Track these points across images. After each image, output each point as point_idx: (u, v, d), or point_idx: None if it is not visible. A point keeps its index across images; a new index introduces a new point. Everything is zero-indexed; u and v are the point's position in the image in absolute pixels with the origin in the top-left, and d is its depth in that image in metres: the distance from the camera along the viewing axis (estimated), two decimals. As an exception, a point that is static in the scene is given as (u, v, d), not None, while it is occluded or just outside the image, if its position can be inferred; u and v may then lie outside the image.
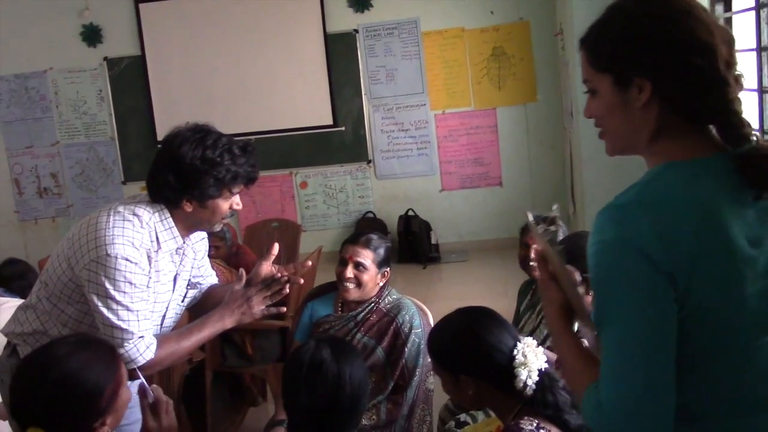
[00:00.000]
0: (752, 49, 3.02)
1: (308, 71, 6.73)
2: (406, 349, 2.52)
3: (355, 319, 2.61)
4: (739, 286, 1.13)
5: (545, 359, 1.76)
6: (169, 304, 2.07)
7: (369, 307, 2.62)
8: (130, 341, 1.87)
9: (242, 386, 3.77)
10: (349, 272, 2.58)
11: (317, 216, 7.02)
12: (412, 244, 6.58)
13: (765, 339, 1.17)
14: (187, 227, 2.02)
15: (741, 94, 1.20)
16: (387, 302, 2.63)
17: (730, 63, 1.16)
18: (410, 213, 6.75)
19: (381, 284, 2.65)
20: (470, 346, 1.77)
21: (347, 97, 6.78)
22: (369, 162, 6.89)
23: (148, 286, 1.93)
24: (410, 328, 2.55)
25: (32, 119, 7.20)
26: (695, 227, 1.11)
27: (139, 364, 1.88)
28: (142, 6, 6.83)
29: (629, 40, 1.18)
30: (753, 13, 3.06)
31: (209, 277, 2.28)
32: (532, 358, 1.72)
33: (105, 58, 6.98)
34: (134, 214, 1.92)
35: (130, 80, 6.93)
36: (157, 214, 1.96)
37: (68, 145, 7.19)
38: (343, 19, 6.66)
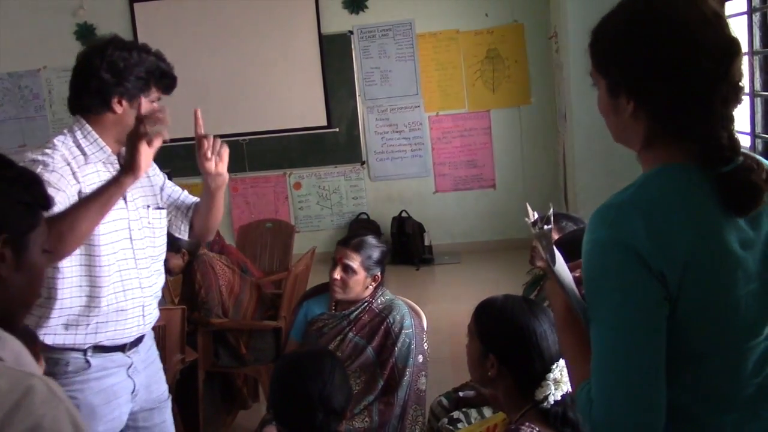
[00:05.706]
0: (744, 53, 3.04)
1: (303, 72, 6.73)
2: (396, 349, 2.54)
3: (347, 318, 2.64)
4: (732, 287, 1.14)
5: None
6: (129, 224, 2.03)
7: (362, 307, 2.65)
8: None
9: (233, 388, 3.76)
10: (337, 274, 2.62)
11: (311, 217, 7.02)
12: (405, 246, 6.58)
13: (754, 341, 1.18)
14: (115, 136, 2.02)
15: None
16: (380, 302, 2.66)
17: (716, 81, 1.14)
18: (404, 214, 6.76)
19: (372, 287, 2.67)
20: (519, 340, 1.73)
21: (341, 99, 6.78)
22: (363, 163, 6.89)
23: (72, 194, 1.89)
24: (401, 328, 2.57)
25: (25, 118, 7.18)
26: (689, 229, 1.12)
27: None
28: (136, 5, 6.82)
29: (616, 56, 1.19)
30: (745, 17, 3.09)
31: (183, 196, 2.27)
32: (566, 379, 1.69)
33: (99, 58, 6.95)
34: (47, 147, 1.97)
35: (124, 80, 6.89)
36: (78, 132, 2.01)
37: (61, 145, 7.16)
38: (338, 21, 6.67)
